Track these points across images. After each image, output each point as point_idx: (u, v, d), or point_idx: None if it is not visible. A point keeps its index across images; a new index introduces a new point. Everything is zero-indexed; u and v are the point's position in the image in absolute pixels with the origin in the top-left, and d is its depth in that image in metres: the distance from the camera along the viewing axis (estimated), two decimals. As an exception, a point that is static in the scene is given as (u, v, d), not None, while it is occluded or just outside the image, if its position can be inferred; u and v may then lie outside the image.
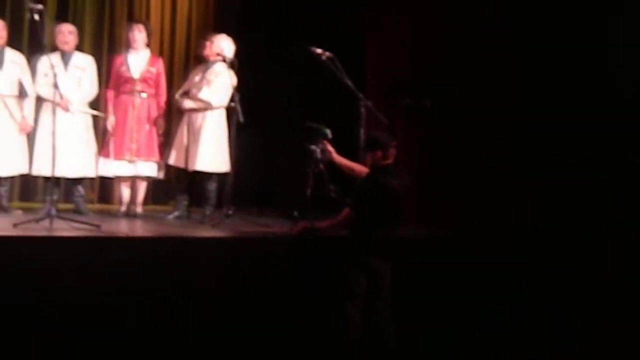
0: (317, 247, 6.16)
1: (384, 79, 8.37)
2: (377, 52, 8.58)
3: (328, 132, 6.42)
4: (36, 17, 6.58)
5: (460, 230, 7.30)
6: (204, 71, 7.78)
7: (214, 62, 7.74)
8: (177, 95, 7.88)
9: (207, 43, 7.82)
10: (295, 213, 7.01)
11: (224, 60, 7.50)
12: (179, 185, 7.88)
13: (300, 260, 6.11)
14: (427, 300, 6.40)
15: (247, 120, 7.24)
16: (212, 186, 7.75)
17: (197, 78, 7.79)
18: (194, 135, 7.66)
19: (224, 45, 7.73)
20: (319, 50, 7.14)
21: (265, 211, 8.33)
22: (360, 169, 5.93)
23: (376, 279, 5.61)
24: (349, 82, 7.12)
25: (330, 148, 6.19)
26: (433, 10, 8.23)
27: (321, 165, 6.68)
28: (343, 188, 6.60)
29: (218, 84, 7.65)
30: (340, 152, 6.19)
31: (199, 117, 7.70)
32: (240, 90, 7.33)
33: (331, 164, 6.29)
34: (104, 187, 9.06)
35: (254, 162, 8.82)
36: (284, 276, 5.99)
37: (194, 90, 7.74)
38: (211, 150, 7.66)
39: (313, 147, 6.57)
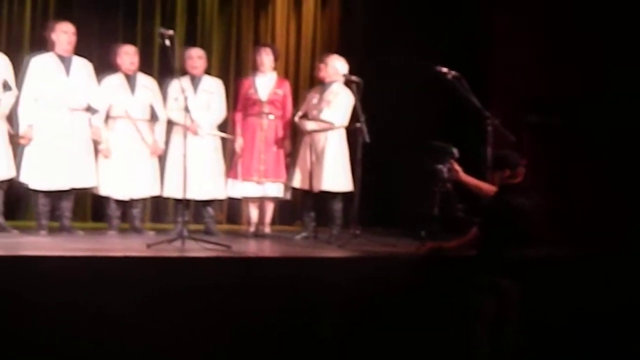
0: (445, 266, 6.10)
1: (510, 96, 8.27)
2: (503, 68, 8.49)
3: (455, 150, 6.37)
4: (167, 42, 6.72)
5: (592, 249, 7.12)
6: (321, 92, 7.83)
7: (331, 82, 7.80)
8: (296, 118, 7.93)
9: (322, 65, 7.88)
10: (423, 233, 6.99)
11: (350, 82, 7.49)
12: (305, 205, 7.93)
13: (428, 279, 6.06)
14: (556, 321, 6.28)
15: (372, 140, 7.23)
16: (338, 206, 7.77)
17: (314, 100, 7.84)
18: (317, 156, 7.70)
19: (338, 65, 7.80)
20: (444, 69, 7.11)
21: (391, 231, 8.29)
22: (488, 188, 5.86)
23: (504, 299, 5.52)
24: (476, 101, 7.06)
25: (457, 167, 6.14)
26: (560, 25, 8.09)
27: (448, 185, 6.64)
28: (470, 207, 6.53)
29: (338, 104, 7.70)
30: (467, 171, 6.13)
31: (321, 138, 7.74)
32: (366, 110, 7.33)
33: (458, 183, 6.24)
34: (232, 208, 9.22)
35: (381, 181, 8.83)
36: (411, 296, 5.95)
37: (314, 112, 7.79)
38: (335, 170, 7.68)
39: (440, 166, 6.53)
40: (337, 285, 5.84)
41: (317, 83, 8.13)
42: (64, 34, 7.36)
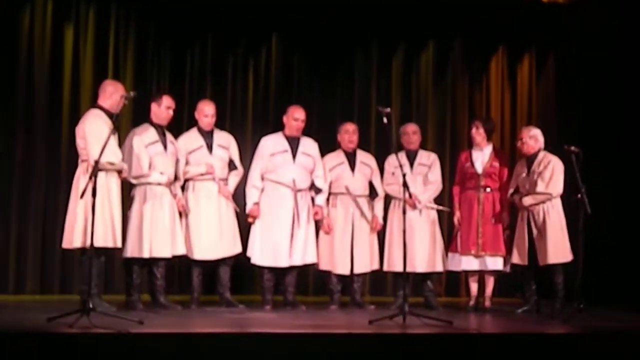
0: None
1: None
2: None
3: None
4: (384, 120, 6.85)
5: None
6: (528, 165, 7.73)
7: (535, 154, 7.70)
8: (508, 195, 7.86)
9: (522, 140, 7.76)
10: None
11: (569, 152, 7.29)
12: (525, 279, 7.78)
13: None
14: None
15: (594, 210, 7.05)
16: (559, 278, 7.59)
17: (523, 174, 7.75)
18: (538, 230, 7.59)
19: (538, 136, 7.73)
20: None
21: (621, 305, 7.99)
22: None
23: None
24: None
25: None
26: None
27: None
28: None
29: (551, 174, 7.59)
30: None
31: (540, 211, 7.63)
32: (586, 181, 7.16)
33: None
34: (451, 280, 9.19)
35: (606, 253, 8.59)
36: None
37: (526, 186, 7.69)
38: (558, 242, 7.54)
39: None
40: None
41: (520, 157, 8.02)
42: (294, 120, 7.65)
